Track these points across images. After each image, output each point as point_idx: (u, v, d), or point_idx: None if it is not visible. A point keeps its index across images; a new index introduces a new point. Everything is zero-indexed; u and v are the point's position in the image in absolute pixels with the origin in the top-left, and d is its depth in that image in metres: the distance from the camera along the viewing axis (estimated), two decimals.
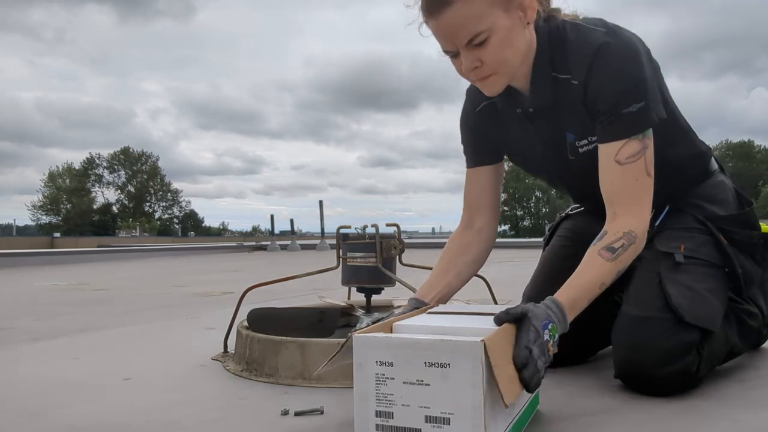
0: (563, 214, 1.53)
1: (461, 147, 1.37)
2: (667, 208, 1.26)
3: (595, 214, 1.31)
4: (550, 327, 0.92)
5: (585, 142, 1.17)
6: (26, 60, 79.52)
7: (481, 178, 1.32)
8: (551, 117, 1.19)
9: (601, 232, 1.08)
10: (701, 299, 1.11)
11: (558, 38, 1.13)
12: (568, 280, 1.02)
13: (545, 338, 0.90)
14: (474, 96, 1.30)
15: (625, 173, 1.08)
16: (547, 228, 1.59)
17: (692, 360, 1.08)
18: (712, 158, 1.32)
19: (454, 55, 1.09)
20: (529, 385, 0.84)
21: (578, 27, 1.12)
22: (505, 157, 1.36)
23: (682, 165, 1.25)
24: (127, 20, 78.69)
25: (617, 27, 1.12)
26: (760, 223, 1.26)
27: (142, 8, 78.59)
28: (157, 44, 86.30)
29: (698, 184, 1.28)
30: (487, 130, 1.30)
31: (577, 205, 1.50)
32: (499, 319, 0.89)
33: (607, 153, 1.10)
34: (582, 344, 1.37)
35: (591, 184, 1.19)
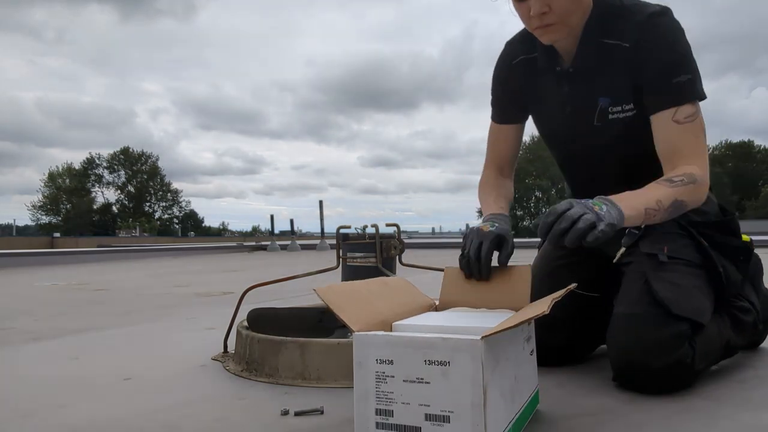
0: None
1: (490, 98, 1.43)
2: None
3: None
4: (590, 203, 0.99)
5: (619, 108, 1.22)
6: (27, 60, 79.60)
7: (509, 136, 1.41)
8: (588, 80, 1.24)
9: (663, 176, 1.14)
10: (687, 293, 1.13)
11: (612, 5, 1.20)
12: (631, 191, 1.09)
13: (587, 203, 0.99)
14: (514, 48, 1.36)
15: (685, 131, 1.14)
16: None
17: (686, 352, 1.09)
18: None
19: (522, 0, 1.15)
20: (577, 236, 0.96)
21: None
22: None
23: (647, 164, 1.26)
24: (128, 20, 78.78)
25: (667, 7, 1.18)
26: (742, 234, 1.28)
27: (144, 7, 78.67)
28: (158, 44, 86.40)
29: None
30: (519, 85, 1.35)
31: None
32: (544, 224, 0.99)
33: (663, 117, 1.16)
34: (579, 336, 1.37)
35: (603, 163, 1.26)
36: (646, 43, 1.16)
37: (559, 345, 1.33)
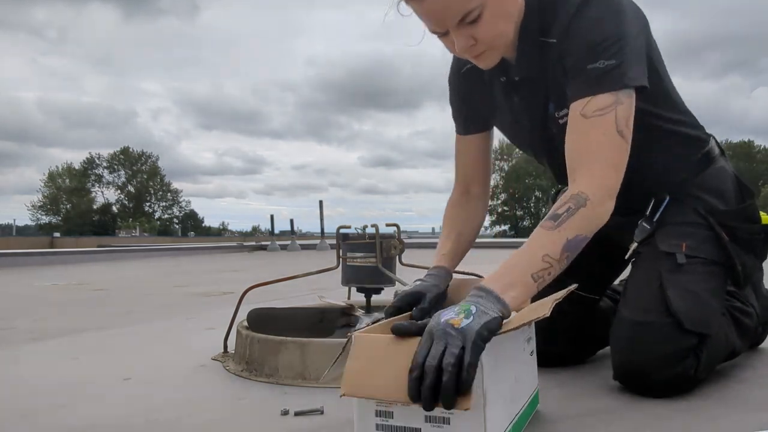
0: (553, 192, 1.45)
1: (451, 107, 1.32)
2: (667, 199, 1.20)
3: None
4: (456, 309, 0.80)
5: (565, 111, 1.07)
6: (29, 59, 79.64)
7: (474, 147, 1.29)
8: (535, 87, 1.12)
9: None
10: (701, 303, 1.10)
11: (547, 0, 1.05)
12: (505, 261, 0.92)
13: (446, 317, 0.78)
14: (459, 57, 1.20)
15: (591, 128, 0.97)
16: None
17: (690, 364, 1.08)
18: (713, 141, 1.26)
19: (443, 34, 1.01)
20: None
21: None
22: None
23: (680, 147, 1.20)
24: (130, 19, 78.83)
25: None
26: (761, 214, 1.23)
27: (146, 7, 78.71)
28: (159, 43, 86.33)
29: (699, 171, 1.22)
30: (473, 95, 1.25)
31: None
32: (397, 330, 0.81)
33: (574, 108, 1.01)
34: (579, 344, 1.36)
35: None
36: (569, 35, 1.02)
37: (559, 352, 1.32)
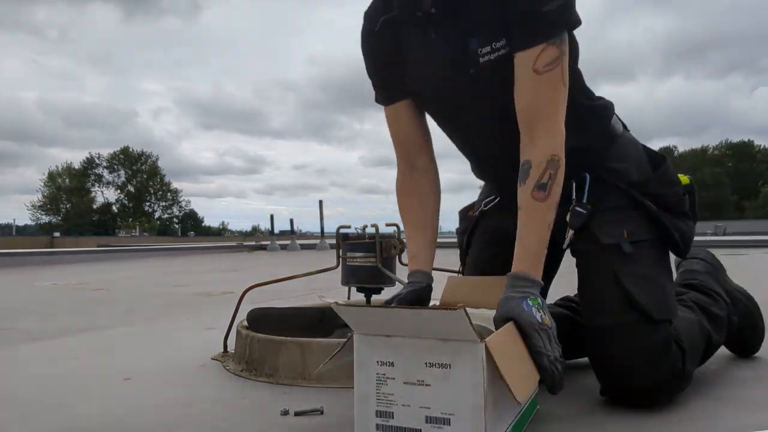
0: (477, 213, 1.34)
1: (369, 77, 1.22)
2: (588, 179, 1.13)
3: (512, 207, 1.20)
4: (530, 302, 0.93)
5: (488, 49, 1.02)
6: (30, 59, 79.65)
7: (404, 115, 1.18)
8: (455, 21, 1.05)
9: (525, 162, 1.01)
10: (659, 288, 1.06)
11: None
12: (518, 242, 0.99)
13: (537, 319, 0.92)
14: (372, 15, 1.16)
15: (543, 84, 0.98)
16: (457, 229, 1.41)
17: (676, 354, 1.02)
18: (615, 115, 1.21)
19: None
20: (553, 387, 0.92)
21: None
22: None
23: (592, 119, 1.15)
24: (131, 19, 78.84)
25: None
26: (679, 175, 1.18)
27: (147, 6, 78.71)
28: (160, 43, 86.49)
29: (610, 143, 1.17)
30: (388, 56, 1.16)
31: (492, 197, 1.31)
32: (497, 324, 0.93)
33: (524, 62, 0.98)
34: None
35: (491, 120, 1.09)
36: None
37: None
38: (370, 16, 1.17)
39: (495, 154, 1.17)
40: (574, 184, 1.12)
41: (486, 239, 1.29)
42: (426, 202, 1.20)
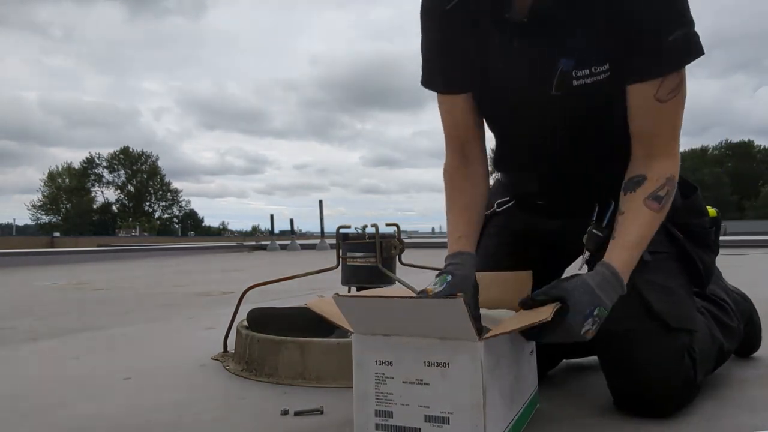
0: (489, 212, 1.27)
1: (423, 59, 1.11)
2: (612, 205, 1.08)
3: (530, 206, 1.20)
4: (596, 312, 0.88)
5: (586, 72, 0.97)
6: (33, 58, 79.68)
7: (462, 106, 1.10)
8: (546, 35, 0.97)
9: (638, 176, 0.98)
10: (678, 299, 1.04)
11: None
12: (617, 238, 0.96)
13: (585, 328, 0.87)
14: None
15: (667, 110, 0.96)
16: None
17: (688, 364, 1.01)
18: None
19: None
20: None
21: None
22: None
23: (625, 145, 1.07)
24: (135, 18, 78.89)
25: None
26: (708, 208, 1.18)
27: (152, 6, 78.74)
28: (163, 43, 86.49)
29: None
30: (460, 39, 1.04)
31: (506, 198, 1.27)
32: (528, 304, 0.89)
33: (644, 92, 0.95)
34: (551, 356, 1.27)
35: (559, 144, 1.06)
36: None
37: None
38: None
39: (544, 166, 1.13)
40: (597, 207, 1.09)
41: (494, 232, 1.27)
42: (477, 189, 1.13)
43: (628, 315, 1.00)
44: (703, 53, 0.93)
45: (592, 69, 0.96)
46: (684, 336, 1.01)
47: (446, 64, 1.08)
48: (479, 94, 1.10)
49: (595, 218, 1.09)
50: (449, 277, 0.97)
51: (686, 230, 1.11)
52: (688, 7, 0.91)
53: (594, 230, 1.08)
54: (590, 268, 1.04)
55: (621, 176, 1.03)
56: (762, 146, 51.02)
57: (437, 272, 1.03)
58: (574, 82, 0.98)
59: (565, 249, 1.21)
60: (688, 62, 0.93)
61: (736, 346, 1.26)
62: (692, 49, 0.92)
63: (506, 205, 1.27)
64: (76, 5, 76.37)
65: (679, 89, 0.95)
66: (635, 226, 0.96)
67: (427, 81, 1.12)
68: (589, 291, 0.88)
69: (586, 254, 1.09)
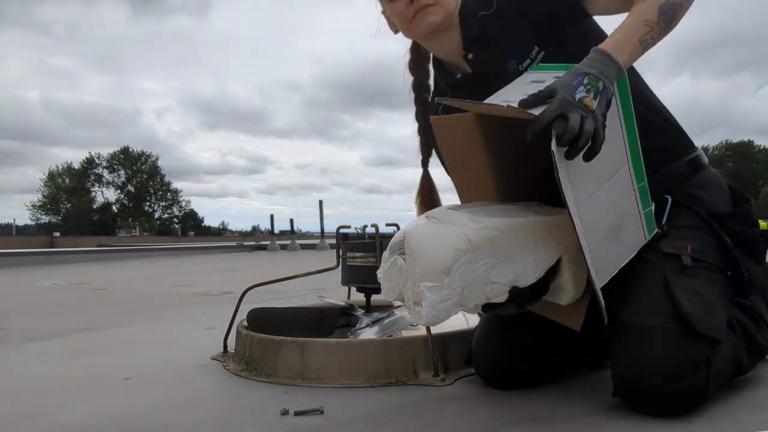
0: None
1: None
2: (670, 201, 1.14)
3: None
4: (586, 81, 0.89)
5: (528, 61, 1.14)
6: (35, 57, 79.68)
7: None
8: (488, 57, 1.17)
9: None
10: (709, 307, 1.02)
11: None
12: (615, 29, 1.00)
13: (579, 96, 0.87)
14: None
15: None
16: None
17: (701, 376, 0.98)
18: (701, 150, 1.24)
19: None
20: (559, 136, 0.84)
21: None
22: None
23: (673, 142, 1.20)
24: (139, 16, 78.87)
25: None
26: (759, 221, 1.19)
27: (156, 3, 78.66)
28: (166, 42, 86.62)
29: (694, 172, 1.19)
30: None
31: None
32: (527, 103, 0.88)
33: None
34: (550, 362, 1.24)
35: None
36: None
37: (520, 368, 1.19)
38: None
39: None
40: (653, 206, 1.10)
41: None
42: None
43: (654, 311, 1.00)
44: None
45: (531, 56, 1.13)
46: (706, 347, 0.99)
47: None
48: None
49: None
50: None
51: (736, 238, 1.13)
52: None
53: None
54: (634, 263, 1.07)
55: (658, 146, 1.12)
56: (762, 146, 51.08)
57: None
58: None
59: None
60: None
61: (758, 360, 1.23)
62: None
63: None
64: (80, 4, 76.40)
65: None
66: (626, 17, 1.01)
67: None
68: (570, 71, 0.92)
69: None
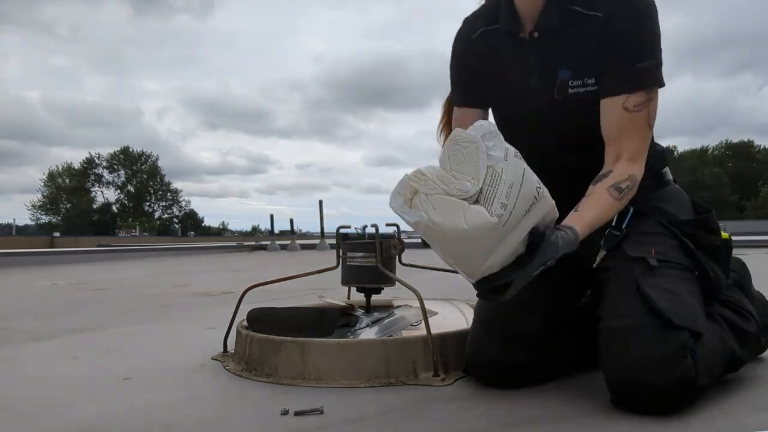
0: None
1: (451, 79, 1.36)
2: (631, 211, 1.19)
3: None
4: (549, 263, 0.95)
5: (579, 83, 1.17)
6: (37, 57, 79.64)
7: (470, 120, 1.20)
8: (551, 48, 1.19)
9: (605, 170, 1.13)
10: (681, 300, 1.05)
11: None
12: (578, 212, 1.06)
13: (536, 272, 0.94)
14: (473, 24, 1.30)
15: (632, 120, 1.12)
16: None
17: (689, 365, 1.00)
18: (666, 167, 1.31)
19: None
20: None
21: None
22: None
23: (651, 158, 1.20)
24: (141, 16, 78.84)
25: None
26: (721, 232, 1.22)
27: (159, 3, 78.63)
28: (167, 42, 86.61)
29: (659, 186, 1.26)
30: (480, 61, 1.28)
31: None
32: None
33: (614, 102, 1.13)
34: (543, 356, 1.24)
35: (556, 138, 1.22)
36: (619, 17, 1.12)
37: (517, 362, 1.19)
38: (471, 23, 1.32)
39: (553, 164, 1.23)
40: (617, 216, 1.18)
41: None
42: None
43: (630, 312, 1.03)
44: (663, 86, 1.14)
45: (584, 80, 1.17)
46: (686, 335, 1.01)
47: (464, 82, 1.34)
48: (497, 102, 1.32)
49: (614, 223, 1.18)
50: None
51: (697, 243, 1.17)
52: (659, 43, 1.13)
53: (612, 230, 1.17)
54: (602, 271, 1.16)
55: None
56: (762, 146, 51.10)
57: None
58: (570, 90, 1.18)
59: (587, 259, 1.19)
60: (649, 86, 1.13)
61: (753, 354, 1.25)
62: (655, 79, 1.13)
63: None
64: (83, 3, 76.37)
65: (647, 106, 1.13)
66: (595, 208, 1.08)
67: (454, 99, 1.38)
68: (555, 244, 0.95)
69: (601, 253, 1.16)
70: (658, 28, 1.13)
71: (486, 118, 1.31)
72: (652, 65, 1.12)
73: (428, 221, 0.92)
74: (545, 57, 1.19)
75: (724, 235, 1.22)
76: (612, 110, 1.14)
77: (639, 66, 1.11)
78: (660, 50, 1.13)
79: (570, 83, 1.17)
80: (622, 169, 1.11)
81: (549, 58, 1.19)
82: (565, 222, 1.03)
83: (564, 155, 1.24)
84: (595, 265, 1.17)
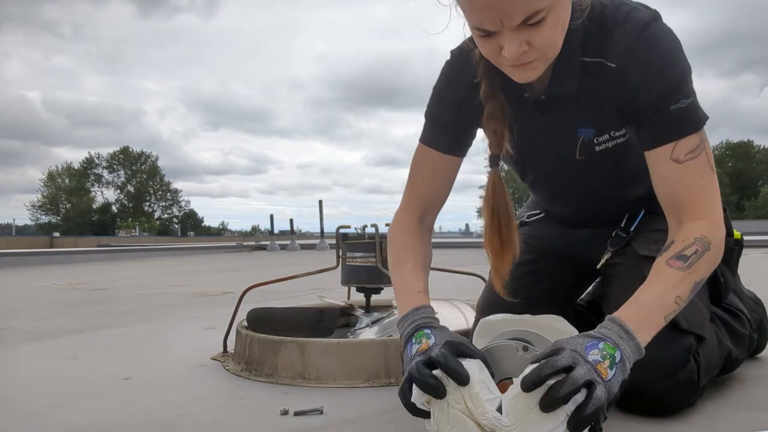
0: (518, 221, 1.28)
1: (431, 117, 1.12)
2: (642, 213, 1.16)
3: (560, 220, 1.27)
4: (601, 345, 0.77)
5: (606, 137, 1.03)
6: (39, 57, 79.63)
7: (446, 170, 1.11)
8: (564, 107, 1.03)
9: (666, 243, 0.94)
10: (692, 305, 0.98)
11: (596, 14, 0.96)
12: (632, 299, 0.87)
13: (593, 359, 0.75)
14: (470, 63, 1.06)
15: (687, 172, 0.94)
16: None
17: (691, 368, 0.99)
18: None
19: (488, 34, 0.87)
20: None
21: (620, 2, 0.97)
22: None
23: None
24: (145, 16, 78.84)
25: (658, 12, 0.96)
26: (733, 230, 1.18)
27: (161, 4, 78.67)
28: (168, 42, 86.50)
29: None
30: (475, 112, 1.06)
31: (536, 211, 1.36)
32: (535, 382, 0.73)
33: (660, 155, 0.95)
34: None
35: (586, 191, 1.14)
36: (636, 65, 0.94)
37: None
38: (466, 60, 1.07)
39: (580, 207, 1.20)
40: (627, 215, 1.15)
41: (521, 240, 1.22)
42: (422, 254, 1.09)
43: None
44: (704, 123, 0.95)
45: (611, 134, 1.03)
46: (691, 339, 1.00)
47: (454, 127, 1.09)
48: (507, 159, 1.15)
49: (624, 224, 1.15)
50: (431, 336, 0.88)
51: None
52: (690, 78, 0.95)
53: (620, 233, 1.14)
54: (609, 264, 1.12)
55: (650, 191, 1.01)
56: (762, 146, 51.10)
57: (408, 328, 0.93)
58: (597, 148, 1.05)
59: (590, 257, 1.20)
60: (695, 129, 0.93)
61: (747, 353, 1.25)
62: (696, 115, 0.94)
63: (536, 217, 1.35)
64: (85, 3, 76.36)
65: (699, 151, 0.94)
66: (653, 284, 0.89)
67: (427, 138, 1.12)
68: (587, 335, 0.81)
69: (607, 254, 1.13)
70: (686, 62, 0.95)
71: (459, 167, 1.14)
72: (689, 104, 0.93)
73: None
74: (555, 118, 1.04)
75: (737, 234, 1.18)
76: (661, 167, 0.95)
77: (675, 107, 0.93)
78: (692, 84, 0.95)
79: (596, 140, 1.03)
80: (686, 233, 0.92)
81: (561, 119, 1.04)
82: (615, 313, 0.85)
83: (605, 201, 1.17)
84: (599, 266, 1.15)
